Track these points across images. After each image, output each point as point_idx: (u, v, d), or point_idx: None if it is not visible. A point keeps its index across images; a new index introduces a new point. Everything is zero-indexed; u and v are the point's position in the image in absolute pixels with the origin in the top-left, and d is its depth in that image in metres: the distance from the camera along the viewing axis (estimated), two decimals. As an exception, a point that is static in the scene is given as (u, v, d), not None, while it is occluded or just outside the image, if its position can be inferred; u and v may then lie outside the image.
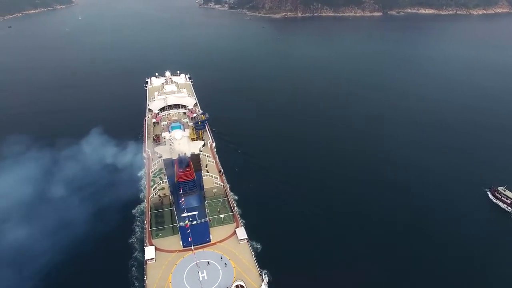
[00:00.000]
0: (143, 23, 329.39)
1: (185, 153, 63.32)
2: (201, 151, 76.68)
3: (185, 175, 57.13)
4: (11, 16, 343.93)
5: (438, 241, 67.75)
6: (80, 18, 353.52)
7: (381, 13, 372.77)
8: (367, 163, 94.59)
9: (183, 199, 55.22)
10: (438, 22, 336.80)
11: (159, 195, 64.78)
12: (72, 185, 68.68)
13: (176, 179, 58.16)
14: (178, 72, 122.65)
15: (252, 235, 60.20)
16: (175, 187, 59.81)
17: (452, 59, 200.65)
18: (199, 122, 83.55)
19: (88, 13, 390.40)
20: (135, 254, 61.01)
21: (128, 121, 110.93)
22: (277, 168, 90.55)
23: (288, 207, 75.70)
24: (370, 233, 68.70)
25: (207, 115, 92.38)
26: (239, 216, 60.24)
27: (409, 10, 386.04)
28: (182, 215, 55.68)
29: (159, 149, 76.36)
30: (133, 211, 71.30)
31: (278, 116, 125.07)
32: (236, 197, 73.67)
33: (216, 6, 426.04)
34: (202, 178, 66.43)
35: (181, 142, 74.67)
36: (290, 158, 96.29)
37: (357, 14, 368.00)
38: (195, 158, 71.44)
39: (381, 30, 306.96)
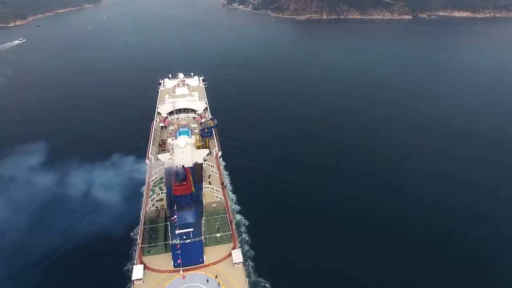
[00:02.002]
0: (166, 23, 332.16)
1: (182, 166, 59.47)
2: (205, 160, 73.00)
3: (181, 189, 53.39)
4: (42, 15, 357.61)
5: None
6: (104, 17, 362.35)
7: (410, 16, 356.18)
8: (400, 176, 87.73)
9: (175, 217, 51.41)
10: (474, 26, 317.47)
11: (156, 206, 61.46)
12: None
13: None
14: (192, 74, 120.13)
15: (250, 259, 56.50)
16: (172, 200, 56.23)
17: (489, 66, 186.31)
18: (206, 129, 79.93)
19: (114, 12, 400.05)
20: (125, 270, 57.20)
21: (140, 123, 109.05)
22: (293, 184, 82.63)
23: (303, 237, 66.52)
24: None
25: (215, 121, 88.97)
26: (237, 236, 55.92)
27: (441, 13, 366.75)
28: (176, 232, 52.17)
29: (162, 156, 73.30)
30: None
31: (297, 124, 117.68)
32: (240, 217, 68.98)
33: (240, 6, 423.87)
34: (202, 191, 62.68)
35: (185, 150, 71.10)
36: (310, 173, 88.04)
37: (385, 17, 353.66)
38: (198, 168, 67.99)
39: (411, 34, 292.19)
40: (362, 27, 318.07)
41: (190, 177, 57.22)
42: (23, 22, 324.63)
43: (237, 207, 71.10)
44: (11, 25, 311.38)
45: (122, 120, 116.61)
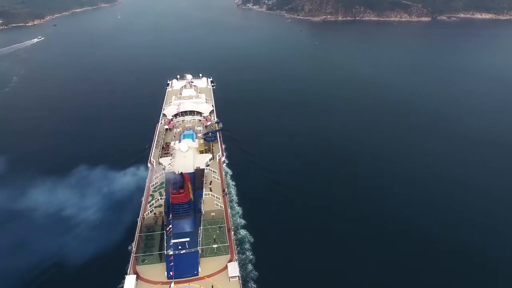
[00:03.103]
0: (179, 23, 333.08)
1: (180, 172, 57.46)
2: (207, 166, 70.94)
3: (178, 197, 51.42)
4: (59, 15, 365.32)
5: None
6: (119, 17, 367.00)
7: (429, 18, 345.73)
8: (421, 184, 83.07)
9: (170, 227, 49.41)
10: (497, 28, 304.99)
11: (154, 213, 59.74)
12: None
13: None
14: (200, 75, 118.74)
15: (253, 281, 53.92)
16: (169, 208, 54.26)
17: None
18: (210, 133, 77.92)
19: (128, 11, 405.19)
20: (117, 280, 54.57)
21: (146, 125, 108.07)
22: (308, 197, 76.62)
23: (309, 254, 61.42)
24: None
25: (221, 124, 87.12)
26: (235, 247, 53.47)
27: (462, 15, 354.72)
28: (172, 241, 50.31)
29: (164, 160, 71.68)
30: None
31: (312, 129, 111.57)
32: (245, 233, 64.42)
33: (254, 7, 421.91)
34: (202, 199, 60.68)
35: (186, 155, 69.52)
36: (328, 185, 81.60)
37: (403, 19, 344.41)
38: (199, 174, 66.17)
39: (430, 36, 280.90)
40: (378, 29, 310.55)
41: (189, 184, 55.29)
42: (41, 22, 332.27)
43: (242, 221, 66.42)
44: (29, 24, 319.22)
45: (129, 121, 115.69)
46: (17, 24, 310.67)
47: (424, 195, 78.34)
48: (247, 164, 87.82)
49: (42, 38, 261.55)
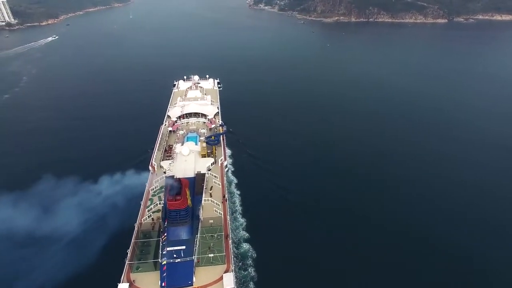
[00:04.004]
0: (190, 23, 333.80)
1: (178, 178, 55.72)
2: (209, 170, 69.20)
3: (174, 204, 49.79)
4: (73, 14, 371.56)
5: None
6: (131, 16, 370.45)
7: (446, 20, 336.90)
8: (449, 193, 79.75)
9: (165, 235, 47.81)
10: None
11: (152, 218, 58.29)
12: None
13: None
14: (207, 76, 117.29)
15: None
16: (166, 214, 52.69)
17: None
18: (213, 137, 76.17)
19: (141, 11, 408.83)
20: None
21: (152, 126, 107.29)
22: (313, 204, 72.76)
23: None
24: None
25: (225, 127, 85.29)
26: (232, 257, 51.46)
27: (480, 17, 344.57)
28: (168, 249, 48.74)
29: (165, 163, 70.26)
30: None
31: (320, 134, 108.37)
32: (247, 247, 61.46)
33: (266, 7, 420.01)
34: (201, 205, 58.94)
35: (188, 159, 68.00)
36: (341, 197, 76.88)
37: (418, 21, 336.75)
38: (199, 179, 64.56)
39: (446, 39, 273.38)
40: (392, 31, 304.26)
41: (187, 190, 53.55)
42: (55, 21, 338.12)
43: (245, 234, 63.64)
44: (44, 24, 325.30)
45: (135, 122, 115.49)
46: (32, 24, 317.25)
47: (447, 204, 75.08)
48: (254, 171, 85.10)
49: (57, 37, 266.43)
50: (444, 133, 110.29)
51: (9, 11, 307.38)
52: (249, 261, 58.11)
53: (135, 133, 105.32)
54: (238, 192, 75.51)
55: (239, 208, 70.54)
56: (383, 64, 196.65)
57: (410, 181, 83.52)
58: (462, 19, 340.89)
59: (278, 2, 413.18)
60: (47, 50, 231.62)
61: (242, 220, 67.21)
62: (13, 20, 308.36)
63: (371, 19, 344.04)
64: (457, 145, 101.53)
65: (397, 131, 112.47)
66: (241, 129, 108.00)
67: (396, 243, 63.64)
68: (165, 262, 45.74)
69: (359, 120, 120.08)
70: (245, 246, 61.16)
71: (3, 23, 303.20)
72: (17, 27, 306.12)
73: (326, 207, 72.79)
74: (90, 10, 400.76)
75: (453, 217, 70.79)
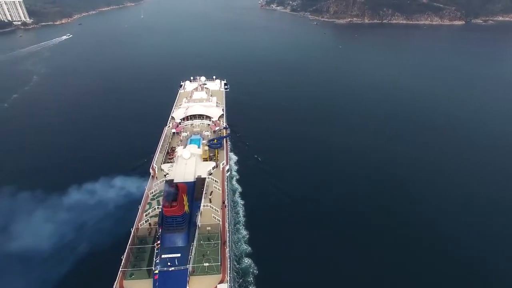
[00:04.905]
0: (201, 23, 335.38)
1: (175, 184, 54.15)
2: (210, 174, 67.51)
3: (170, 210, 48.23)
4: (87, 13, 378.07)
5: None
6: (142, 16, 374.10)
7: (463, 22, 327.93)
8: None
9: (158, 242, 46.27)
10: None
11: (149, 223, 56.89)
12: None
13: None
14: (214, 77, 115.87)
15: None
16: (163, 220, 51.18)
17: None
18: (215, 140, 74.54)
19: (153, 10, 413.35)
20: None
21: (156, 127, 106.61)
22: (323, 216, 68.08)
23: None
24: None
25: (228, 130, 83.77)
26: (229, 267, 49.55)
27: (500, 18, 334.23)
28: (162, 256, 47.21)
29: (166, 166, 68.96)
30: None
31: (330, 142, 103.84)
32: (249, 261, 57.92)
33: (278, 7, 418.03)
34: (199, 211, 57.26)
35: (188, 163, 66.44)
36: (353, 211, 71.63)
37: (434, 23, 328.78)
38: (199, 183, 62.90)
39: (466, 41, 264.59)
40: (407, 33, 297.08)
41: (184, 196, 51.90)
42: (69, 20, 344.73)
43: (247, 249, 60.19)
44: (58, 23, 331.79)
45: (140, 123, 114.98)
46: (47, 23, 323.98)
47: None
48: (260, 178, 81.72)
49: (71, 36, 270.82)
50: (461, 137, 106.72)
51: (25, 10, 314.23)
52: (250, 278, 54.88)
53: (140, 134, 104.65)
54: (242, 202, 72.37)
55: (242, 219, 67.23)
56: (396, 67, 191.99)
57: (440, 195, 79.36)
58: (481, 21, 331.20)
59: (290, 2, 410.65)
60: (59, 49, 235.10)
61: (244, 233, 63.95)
62: (28, 19, 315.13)
63: (385, 21, 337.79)
64: (476, 150, 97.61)
65: (414, 135, 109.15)
66: (248, 132, 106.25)
67: (427, 263, 59.96)
68: (157, 272, 44.11)
69: (375, 125, 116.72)
70: (247, 261, 57.82)
71: (19, 23, 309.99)
72: (31, 26, 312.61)
73: (340, 224, 66.89)
74: (103, 9, 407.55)
75: (474, 222, 67.86)
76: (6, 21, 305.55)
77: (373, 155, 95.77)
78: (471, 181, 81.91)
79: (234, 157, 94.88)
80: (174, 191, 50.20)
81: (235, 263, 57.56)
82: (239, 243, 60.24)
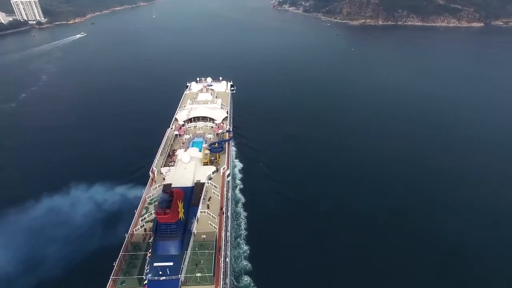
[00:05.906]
0: (213, 23, 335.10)
1: (170, 190, 52.41)
2: (210, 179, 65.71)
3: (164, 218, 46.56)
4: (100, 13, 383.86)
5: None
6: (153, 16, 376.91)
7: (482, 24, 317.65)
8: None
9: (149, 250, 44.67)
10: None
11: (145, 228, 55.34)
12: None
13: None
14: (220, 78, 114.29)
15: None
16: (156, 226, 49.55)
17: None
18: (216, 144, 72.75)
19: (164, 10, 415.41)
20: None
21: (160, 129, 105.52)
22: (333, 232, 63.19)
23: None
24: None
25: (231, 134, 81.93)
26: (222, 277, 47.58)
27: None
28: (154, 265, 45.59)
29: (165, 169, 67.55)
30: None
31: (339, 149, 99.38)
32: (247, 280, 54.73)
33: (291, 8, 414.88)
34: (196, 217, 55.37)
35: (187, 167, 64.68)
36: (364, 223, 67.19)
37: (450, 25, 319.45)
38: (198, 189, 61.02)
39: (484, 44, 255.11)
40: (423, 36, 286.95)
41: (179, 203, 50.16)
42: (82, 19, 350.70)
43: (247, 265, 56.97)
44: (71, 22, 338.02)
45: (146, 123, 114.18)
46: (60, 22, 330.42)
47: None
48: (265, 187, 77.83)
49: (85, 34, 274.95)
50: (485, 145, 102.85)
51: (40, 10, 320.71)
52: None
53: (144, 135, 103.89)
54: (245, 214, 69.23)
55: (243, 232, 64.04)
56: (410, 71, 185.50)
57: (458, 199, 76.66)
58: (501, 23, 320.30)
59: (303, 3, 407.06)
60: (69, 49, 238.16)
61: (245, 248, 60.78)
62: (43, 18, 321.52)
63: (399, 22, 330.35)
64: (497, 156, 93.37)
65: (429, 140, 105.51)
66: (255, 135, 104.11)
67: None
68: (146, 282, 42.49)
69: (386, 129, 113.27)
70: (246, 279, 54.83)
71: (34, 22, 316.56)
72: (46, 25, 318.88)
73: (351, 248, 61.27)
74: (116, 9, 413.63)
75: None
76: (22, 20, 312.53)
77: (400, 164, 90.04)
78: (482, 183, 78.95)
79: (239, 164, 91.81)
80: (168, 197, 48.41)
81: (233, 281, 54.78)
82: (239, 259, 56.83)
